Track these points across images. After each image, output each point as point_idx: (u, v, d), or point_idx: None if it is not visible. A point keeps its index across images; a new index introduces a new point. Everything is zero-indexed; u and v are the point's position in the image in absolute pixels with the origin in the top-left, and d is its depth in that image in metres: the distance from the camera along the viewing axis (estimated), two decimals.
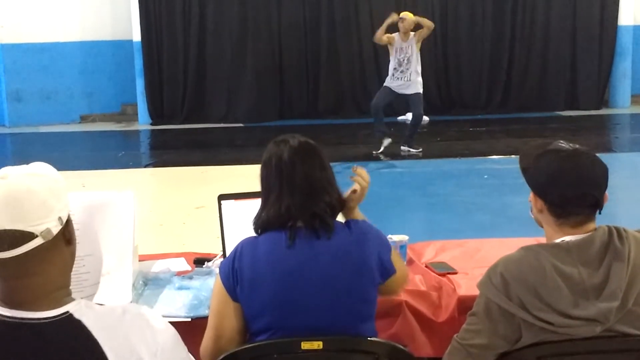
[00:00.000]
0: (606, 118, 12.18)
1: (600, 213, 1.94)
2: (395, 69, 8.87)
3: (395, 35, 8.92)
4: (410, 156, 9.03)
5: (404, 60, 8.80)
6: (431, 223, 6.15)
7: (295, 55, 12.59)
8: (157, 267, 2.72)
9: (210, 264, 2.72)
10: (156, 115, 12.57)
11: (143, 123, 12.57)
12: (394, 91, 8.91)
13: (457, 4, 12.56)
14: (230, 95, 12.59)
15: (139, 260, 2.55)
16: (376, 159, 8.96)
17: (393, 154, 9.13)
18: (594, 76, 12.68)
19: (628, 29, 12.65)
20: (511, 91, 12.75)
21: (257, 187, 2.20)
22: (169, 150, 10.48)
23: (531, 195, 1.98)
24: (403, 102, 9.34)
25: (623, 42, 12.67)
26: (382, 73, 9.09)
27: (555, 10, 12.53)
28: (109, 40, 12.84)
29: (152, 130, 12.23)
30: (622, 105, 12.75)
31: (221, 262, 2.14)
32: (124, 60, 12.75)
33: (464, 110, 12.58)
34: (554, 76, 12.68)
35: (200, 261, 2.77)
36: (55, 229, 1.45)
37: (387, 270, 2.10)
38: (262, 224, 2.10)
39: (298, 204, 2.06)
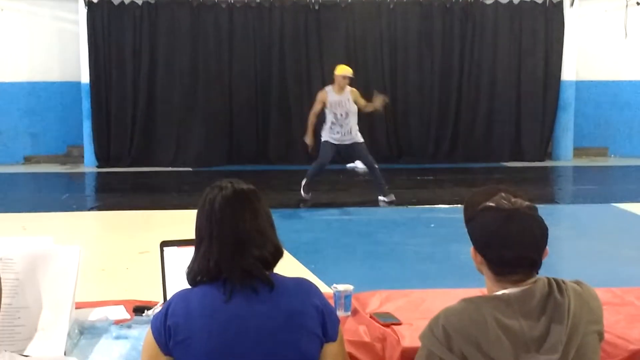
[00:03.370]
0: (549, 170, 12.47)
1: (537, 273, 1.94)
2: (333, 122, 8.70)
3: (328, 89, 8.80)
4: (357, 203, 9.06)
5: (342, 114, 8.63)
6: (377, 271, 6.14)
7: (245, 100, 12.63)
8: (95, 315, 2.62)
9: (150, 312, 2.64)
10: (103, 158, 12.40)
11: (89, 165, 12.39)
12: (335, 144, 8.80)
13: (406, 57, 12.81)
14: (179, 139, 12.53)
15: (76, 308, 2.47)
16: (325, 206, 8.96)
17: (344, 202, 9.16)
18: (537, 129, 13.03)
19: (570, 84, 13.06)
20: (458, 142, 13.00)
21: None
22: (114, 194, 10.32)
23: (472, 248, 1.99)
24: (347, 151, 9.31)
25: (565, 96, 13.06)
26: None
27: (500, 65, 12.89)
28: (57, 81, 12.70)
29: (98, 173, 12.04)
30: (565, 158, 13.08)
31: (153, 316, 2.06)
32: (71, 102, 12.61)
33: (412, 159, 12.75)
34: (500, 128, 12.99)
35: (140, 309, 2.70)
36: None
37: (327, 332, 2.02)
38: (194, 276, 2.03)
39: (226, 259, 1.98)
